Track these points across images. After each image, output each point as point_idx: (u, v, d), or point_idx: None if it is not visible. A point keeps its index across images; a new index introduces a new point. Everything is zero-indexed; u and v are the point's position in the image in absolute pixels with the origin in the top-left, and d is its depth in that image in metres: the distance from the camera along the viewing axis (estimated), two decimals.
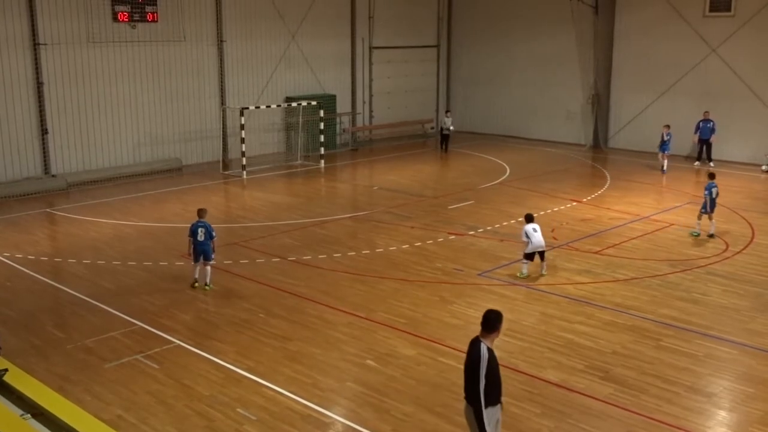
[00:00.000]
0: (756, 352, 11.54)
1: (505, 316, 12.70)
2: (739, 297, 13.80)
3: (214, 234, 14.28)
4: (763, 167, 26.34)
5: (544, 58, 32.36)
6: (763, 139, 26.73)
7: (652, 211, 20.30)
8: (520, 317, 12.86)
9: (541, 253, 14.88)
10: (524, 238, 14.79)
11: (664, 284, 14.51)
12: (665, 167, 25.53)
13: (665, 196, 22.22)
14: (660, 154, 25.84)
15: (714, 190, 17.71)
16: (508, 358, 11.27)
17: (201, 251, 14.16)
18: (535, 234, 14.66)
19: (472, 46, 35.03)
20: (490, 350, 7.49)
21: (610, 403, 9.91)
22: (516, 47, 33.27)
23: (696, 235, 17.69)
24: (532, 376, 10.68)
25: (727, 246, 16.95)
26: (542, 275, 14.87)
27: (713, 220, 17.72)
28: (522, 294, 14.04)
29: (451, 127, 30.41)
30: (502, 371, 10.73)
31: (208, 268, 14.36)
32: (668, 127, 25.92)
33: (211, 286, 14.33)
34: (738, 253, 16.53)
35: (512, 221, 18.91)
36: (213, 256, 14.36)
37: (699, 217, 17.84)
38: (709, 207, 17.59)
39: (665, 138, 25.64)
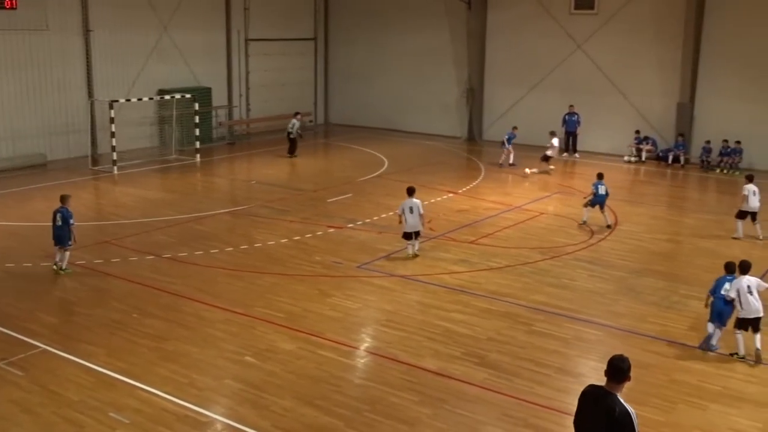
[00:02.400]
0: (619, 333, 12.20)
1: (384, 307, 13.04)
2: (604, 281, 14.53)
3: (71, 221, 14.47)
4: (625, 158, 27.84)
5: (421, 52, 32.87)
6: (626, 131, 28.22)
7: (523, 201, 21.04)
8: (398, 308, 13.03)
9: (416, 234, 15.67)
10: (399, 211, 15.66)
11: (536, 271, 15.08)
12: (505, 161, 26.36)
13: (536, 187, 23.06)
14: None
15: (601, 188, 18.37)
16: (387, 348, 11.42)
17: (56, 236, 14.48)
18: (411, 216, 15.40)
19: (350, 39, 35.13)
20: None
21: (486, 388, 10.21)
22: (393, 41, 33.63)
23: (583, 223, 18.48)
24: (411, 365, 10.83)
25: (593, 233, 17.81)
26: (416, 255, 15.56)
27: (604, 213, 18.44)
28: (400, 285, 14.22)
29: (292, 130, 27.60)
30: (382, 362, 10.98)
31: (67, 253, 14.54)
32: (516, 128, 27.06)
33: (67, 269, 14.47)
34: (602, 239, 17.41)
35: (390, 213, 19.09)
36: (71, 243, 14.55)
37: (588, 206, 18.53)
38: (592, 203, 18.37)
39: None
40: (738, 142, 26.25)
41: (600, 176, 18.85)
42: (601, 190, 18.42)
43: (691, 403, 9.83)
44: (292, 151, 27.56)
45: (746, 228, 17.60)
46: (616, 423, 6.13)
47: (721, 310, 11.46)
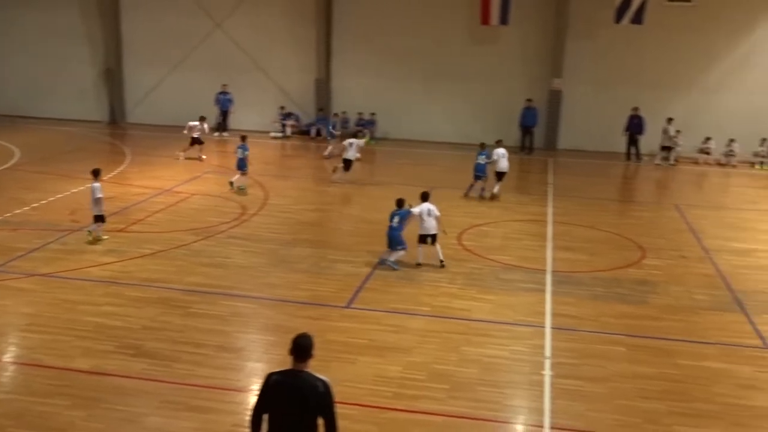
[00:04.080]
0: (273, 303, 12.58)
1: (23, 310, 11.95)
2: (257, 255, 14.85)
3: None
4: (272, 134, 28.64)
5: (50, 31, 30.29)
6: (271, 108, 29.01)
7: (173, 183, 20.62)
8: (41, 310, 11.97)
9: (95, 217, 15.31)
10: None
11: (190, 253, 14.89)
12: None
13: (185, 168, 22.72)
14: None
15: (239, 152, 20.08)
16: (29, 354, 10.48)
17: None
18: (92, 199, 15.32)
19: None
20: None
21: (144, 378, 9.86)
22: (16, 20, 30.48)
23: (242, 189, 19.77)
24: (59, 368, 10.05)
25: (244, 209, 18.09)
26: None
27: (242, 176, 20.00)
28: (42, 284, 13.06)
29: None
30: (26, 370, 10.05)
31: None
32: (336, 114, 27.06)
33: None
34: (254, 215, 17.77)
35: (26, 208, 17.50)
36: None
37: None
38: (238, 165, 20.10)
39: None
40: (373, 114, 28.49)
41: (243, 138, 20.63)
42: (239, 154, 20.03)
43: (342, 359, 10.50)
44: None
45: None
46: (322, 398, 6.11)
47: (391, 236, 14.23)
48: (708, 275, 14.68)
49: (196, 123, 24.24)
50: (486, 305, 12.72)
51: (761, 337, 11.79)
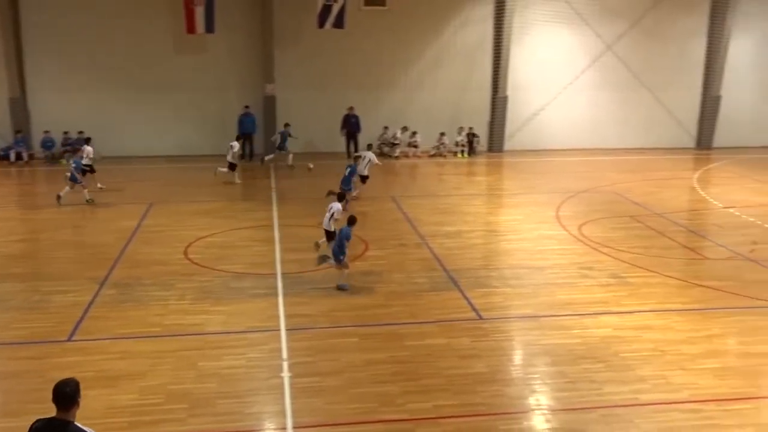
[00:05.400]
0: None
1: None
2: None
3: None
4: None
5: None
6: None
7: None
8: None
9: None
10: None
11: None
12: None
13: None
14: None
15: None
16: None
17: None
18: None
19: None
20: None
21: None
22: None
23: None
24: None
25: None
26: None
27: None
28: None
29: None
30: None
31: None
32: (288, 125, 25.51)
33: None
34: None
35: None
36: None
37: None
38: None
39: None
40: (81, 132, 26.73)
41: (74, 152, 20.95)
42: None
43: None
44: None
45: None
46: None
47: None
48: (425, 259, 15.81)
49: (90, 148, 21.48)
50: (219, 317, 12.55)
51: (475, 310, 12.94)
